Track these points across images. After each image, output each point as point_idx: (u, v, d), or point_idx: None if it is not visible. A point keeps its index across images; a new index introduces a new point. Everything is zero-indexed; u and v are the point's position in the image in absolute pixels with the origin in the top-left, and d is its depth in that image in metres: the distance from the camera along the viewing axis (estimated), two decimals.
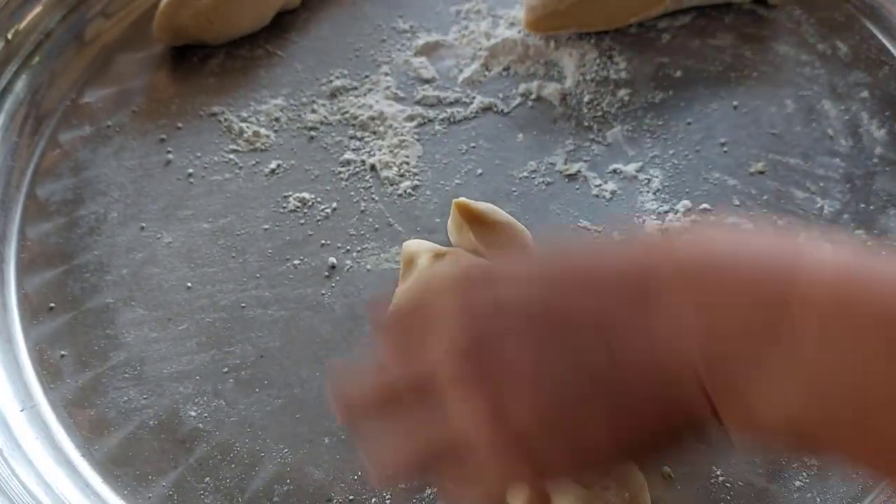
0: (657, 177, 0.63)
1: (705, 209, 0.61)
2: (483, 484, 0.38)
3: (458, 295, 0.38)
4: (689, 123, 0.66)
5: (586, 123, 0.67)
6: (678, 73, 0.69)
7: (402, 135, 0.65)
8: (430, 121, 0.67)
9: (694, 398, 0.34)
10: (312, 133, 0.66)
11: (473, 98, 0.68)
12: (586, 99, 0.68)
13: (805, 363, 0.32)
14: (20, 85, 0.68)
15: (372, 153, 0.64)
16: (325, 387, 0.50)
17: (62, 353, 0.55)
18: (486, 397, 0.35)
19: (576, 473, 0.40)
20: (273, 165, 0.64)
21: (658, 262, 0.36)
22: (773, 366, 0.33)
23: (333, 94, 0.68)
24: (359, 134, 0.66)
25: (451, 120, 0.67)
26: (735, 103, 0.68)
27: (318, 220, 0.61)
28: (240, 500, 0.49)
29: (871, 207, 0.62)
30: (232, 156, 0.65)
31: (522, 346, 0.36)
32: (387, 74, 0.70)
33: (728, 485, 0.49)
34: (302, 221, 0.61)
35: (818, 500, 0.49)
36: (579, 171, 0.63)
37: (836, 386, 0.32)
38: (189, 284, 0.58)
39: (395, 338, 0.40)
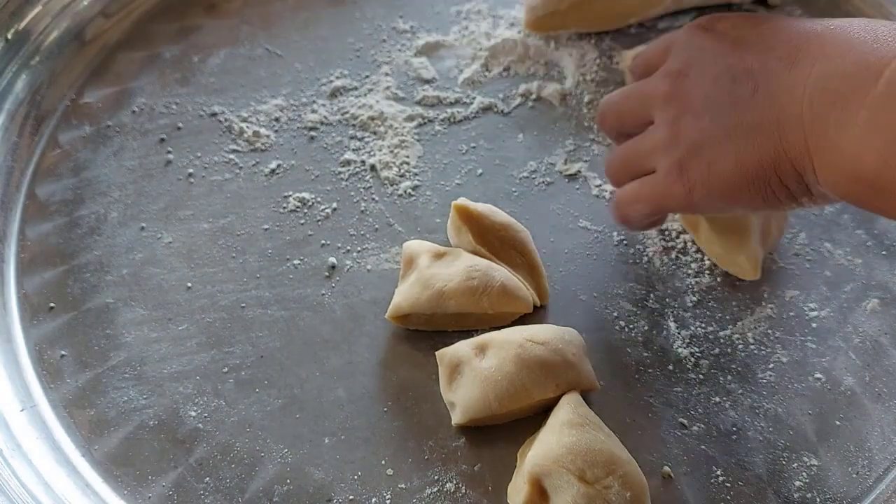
0: None
1: None
2: (650, 191, 0.50)
3: (686, 39, 0.50)
4: None
5: (586, 123, 0.67)
6: None
7: (402, 135, 0.65)
8: (430, 121, 0.67)
9: (797, 142, 0.43)
10: (312, 133, 0.66)
11: (473, 98, 0.68)
12: (586, 99, 0.68)
13: (887, 120, 0.39)
14: (20, 85, 0.68)
15: (372, 153, 0.64)
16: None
17: (62, 353, 0.55)
18: (676, 109, 0.48)
19: (710, 200, 0.48)
20: (273, 165, 0.64)
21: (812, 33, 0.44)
22: (861, 119, 0.40)
23: (333, 94, 0.68)
24: (359, 134, 0.66)
25: (452, 120, 0.67)
26: None
27: (318, 220, 0.61)
28: (240, 500, 0.49)
29: None
30: (232, 156, 0.65)
31: (705, 79, 0.47)
32: (387, 74, 0.70)
33: (728, 485, 0.49)
34: (302, 221, 0.61)
35: (818, 500, 0.49)
36: (579, 171, 0.63)
37: None
38: (189, 284, 0.58)
39: (640, 65, 0.55)
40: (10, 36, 0.69)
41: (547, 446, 0.46)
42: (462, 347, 0.51)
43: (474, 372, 0.50)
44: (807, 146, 0.43)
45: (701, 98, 0.47)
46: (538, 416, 0.50)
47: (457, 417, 0.50)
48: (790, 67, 0.43)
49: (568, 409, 0.48)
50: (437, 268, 0.54)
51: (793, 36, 0.45)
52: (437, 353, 0.52)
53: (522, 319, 0.55)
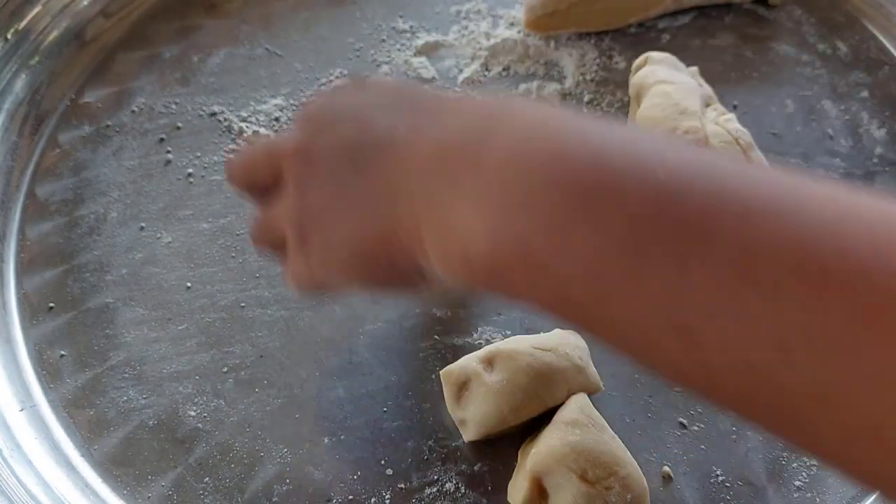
0: None
1: None
2: (287, 264, 0.44)
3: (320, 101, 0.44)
4: None
5: None
6: None
7: None
8: None
9: (407, 215, 0.36)
10: None
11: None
12: (586, 99, 0.68)
13: (499, 188, 0.32)
14: (20, 85, 0.68)
15: None
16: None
17: (62, 353, 0.55)
18: (303, 167, 0.41)
19: (329, 277, 0.42)
20: None
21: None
22: (472, 188, 0.33)
23: None
24: None
25: None
26: (735, 103, 0.68)
27: None
28: (239, 500, 0.49)
29: None
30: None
31: (336, 136, 0.40)
32: (387, 74, 0.70)
33: (728, 485, 0.49)
34: None
35: (818, 500, 0.49)
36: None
37: (519, 224, 0.32)
38: (189, 284, 0.58)
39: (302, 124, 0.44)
40: (9, 36, 0.69)
41: (550, 444, 0.46)
42: (469, 363, 0.50)
43: (485, 387, 0.49)
44: (416, 220, 0.36)
45: (329, 157, 0.40)
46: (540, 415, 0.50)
47: (470, 434, 0.49)
48: (415, 133, 0.37)
49: (575, 410, 0.48)
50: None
51: (430, 101, 0.39)
52: (441, 372, 0.51)
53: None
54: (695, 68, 0.65)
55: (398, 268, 0.39)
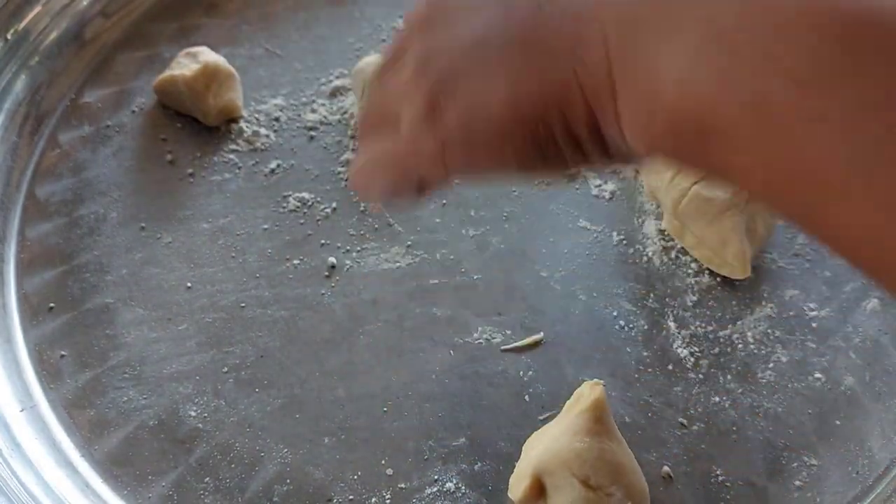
0: None
1: None
2: (391, 152, 0.36)
3: None
4: None
5: None
6: None
7: None
8: None
9: (596, 67, 0.29)
10: (312, 133, 0.66)
11: None
12: None
13: (718, 37, 0.26)
14: (20, 85, 0.68)
15: None
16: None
17: (62, 353, 0.55)
18: (429, 40, 0.34)
19: (470, 156, 0.33)
20: (273, 165, 0.64)
21: None
22: (694, 39, 0.27)
23: (333, 94, 0.68)
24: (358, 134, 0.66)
25: None
26: None
27: (318, 220, 0.61)
28: (240, 500, 0.49)
29: None
30: (232, 156, 0.65)
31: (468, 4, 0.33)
32: None
33: (728, 485, 0.49)
34: (302, 221, 0.61)
35: (818, 500, 0.49)
36: (579, 171, 0.63)
37: (759, 73, 0.25)
38: (189, 284, 0.58)
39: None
40: (9, 36, 0.69)
41: (556, 447, 0.45)
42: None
43: None
44: (609, 73, 0.29)
45: (463, 23, 0.33)
46: (544, 416, 0.50)
47: None
48: None
49: (590, 418, 0.47)
50: None
51: None
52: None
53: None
54: None
55: (572, 133, 0.31)
